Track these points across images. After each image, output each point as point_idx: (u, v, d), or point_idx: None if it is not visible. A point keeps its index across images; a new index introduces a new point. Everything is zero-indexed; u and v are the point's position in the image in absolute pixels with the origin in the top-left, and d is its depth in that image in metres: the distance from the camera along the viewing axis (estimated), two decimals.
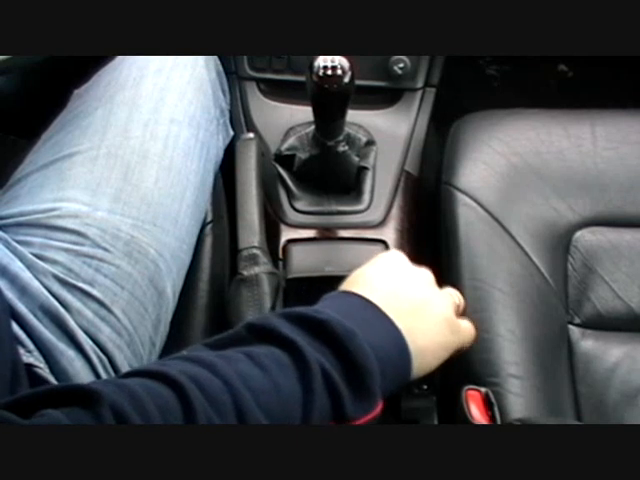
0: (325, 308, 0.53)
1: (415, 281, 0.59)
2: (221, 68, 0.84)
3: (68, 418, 0.40)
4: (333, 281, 0.60)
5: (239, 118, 0.93)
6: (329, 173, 0.85)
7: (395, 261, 0.61)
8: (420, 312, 0.57)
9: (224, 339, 0.51)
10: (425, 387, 0.71)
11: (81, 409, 0.41)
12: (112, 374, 0.63)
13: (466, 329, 0.62)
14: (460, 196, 0.82)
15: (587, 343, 0.78)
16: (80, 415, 0.41)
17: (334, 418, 0.49)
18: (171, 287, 0.69)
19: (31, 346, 0.59)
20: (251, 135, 0.83)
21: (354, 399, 0.49)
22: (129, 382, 0.45)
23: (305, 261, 0.82)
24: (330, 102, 0.73)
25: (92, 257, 0.64)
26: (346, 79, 0.69)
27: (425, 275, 0.60)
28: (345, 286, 0.58)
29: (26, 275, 0.61)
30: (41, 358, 0.60)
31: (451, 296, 0.62)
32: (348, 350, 0.49)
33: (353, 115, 0.82)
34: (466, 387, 0.65)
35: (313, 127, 0.83)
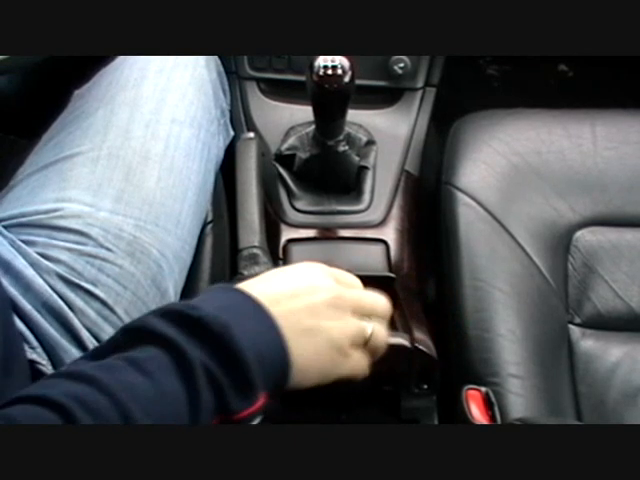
0: (202, 302, 0.51)
1: (317, 296, 0.55)
2: (222, 68, 0.84)
3: None
4: None
5: (239, 118, 0.93)
6: (329, 173, 0.85)
7: (309, 272, 0.58)
8: (311, 327, 0.53)
9: (103, 348, 0.49)
10: (425, 387, 0.71)
11: None
12: None
13: (358, 359, 0.56)
14: (460, 196, 0.82)
15: (587, 343, 0.78)
16: None
17: (219, 413, 0.47)
18: (173, 287, 0.69)
19: (35, 343, 0.60)
20: (251, 135, 0.83)
21: (235, 392, 0.48)
22: (11, 412, 0.42)
23: (305, 261, 0.82)
24: (330, 102, 0.73)
25: (95, 257, 0.64)
26: (346, 79, 0.69)
27: (337, 293, 0.55)
28: (241, 284, 0.55)
29: (30, 272, 0.61)
30: (44, 355, 0.60)
31: (359, 328, 0.56)
32: (223, 344, 0.48)
33: (353, 115, 0.82)
34: (466, 387, 0.66)
35: (313, 127, 0.83)
